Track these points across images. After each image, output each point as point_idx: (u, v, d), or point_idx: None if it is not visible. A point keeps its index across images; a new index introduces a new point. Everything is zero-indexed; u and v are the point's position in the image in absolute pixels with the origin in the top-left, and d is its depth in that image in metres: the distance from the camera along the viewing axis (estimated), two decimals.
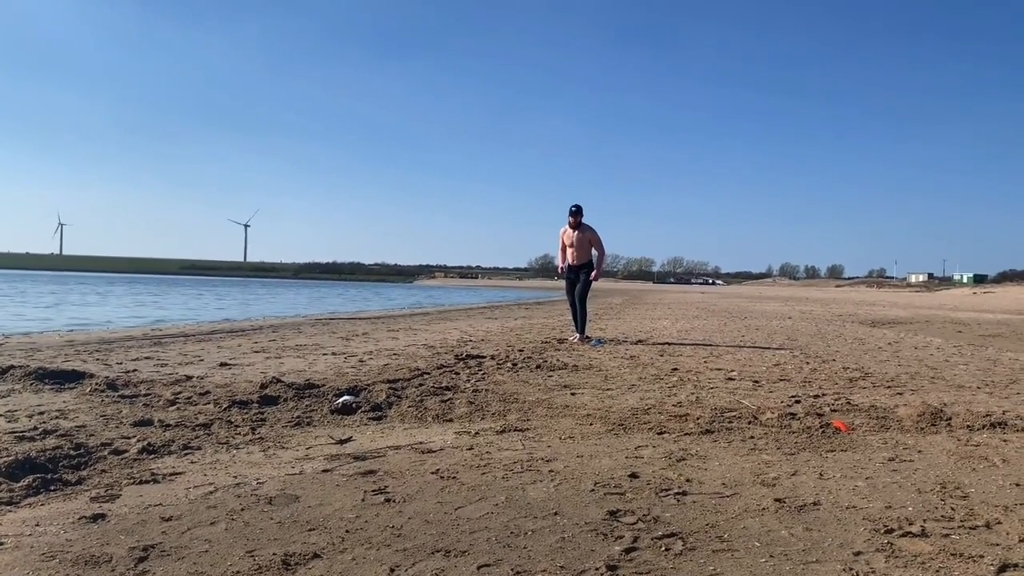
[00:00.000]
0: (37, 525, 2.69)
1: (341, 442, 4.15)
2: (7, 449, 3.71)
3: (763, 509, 2.96)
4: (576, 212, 10.86)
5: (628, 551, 2.47)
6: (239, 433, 4.35)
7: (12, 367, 6.51)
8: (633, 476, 3.40)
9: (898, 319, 19.45)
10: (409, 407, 5.22)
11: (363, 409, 5.11)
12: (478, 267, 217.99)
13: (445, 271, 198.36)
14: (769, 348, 10.44)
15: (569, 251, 11.04)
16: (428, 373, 7.05)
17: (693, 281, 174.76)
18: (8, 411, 4.90)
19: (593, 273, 11.05)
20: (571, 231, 10.95)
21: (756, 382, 6.73)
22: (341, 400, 5.29)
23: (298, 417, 4.83)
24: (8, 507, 2.92)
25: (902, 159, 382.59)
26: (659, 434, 4.36)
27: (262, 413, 4.94)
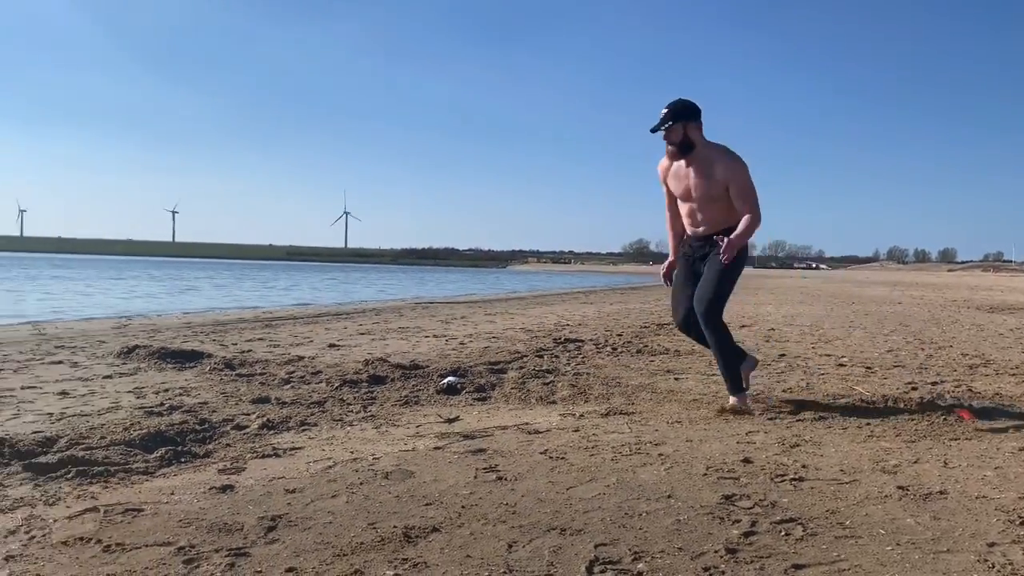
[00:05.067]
0: (172, 494, 2.84)
1: (449, 421, 4.23)
2: (139, 423, 3.93)
3: (885, 496, 2.86)
4: (672, 118, 4.49)
5: (747, 535, 2.43)
6: (352, 411, 4.48)
7: (137, 347, 6.89)
8: (746, 461, 3.34)
9: (1019, 305, 18.40)
10: (512, 389, 5.27)
11: (467, 390, 5.18)
12: (571, 252, 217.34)
13: (538, 256, 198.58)
14: (880, 334, 10.05)
15: (683, 208, 4.78)
16: (527, 356, 7.09)
17: (795, 265, 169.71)
18: (136, 388, 5.19)
19: (724, 249, 4.40)
20: (673, 164, 4.71)
21: (869, 368, 6.49)
22: (446, 381, 5.39)
23: (406, 396, 4.94)
24: (145, 476, 3.10)
25: (1021, 134, 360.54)
26: (770, 420, 4.26)
27: (371, 392, 5.08)
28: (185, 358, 6.47)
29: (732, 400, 4.60)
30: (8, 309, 14.87)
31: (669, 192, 4.82)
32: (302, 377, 5.64)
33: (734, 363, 4.58)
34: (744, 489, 2.94)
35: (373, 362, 6.24)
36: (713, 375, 6.02)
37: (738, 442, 3.72)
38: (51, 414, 4.26)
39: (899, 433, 3.93)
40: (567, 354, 7.24)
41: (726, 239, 4.39)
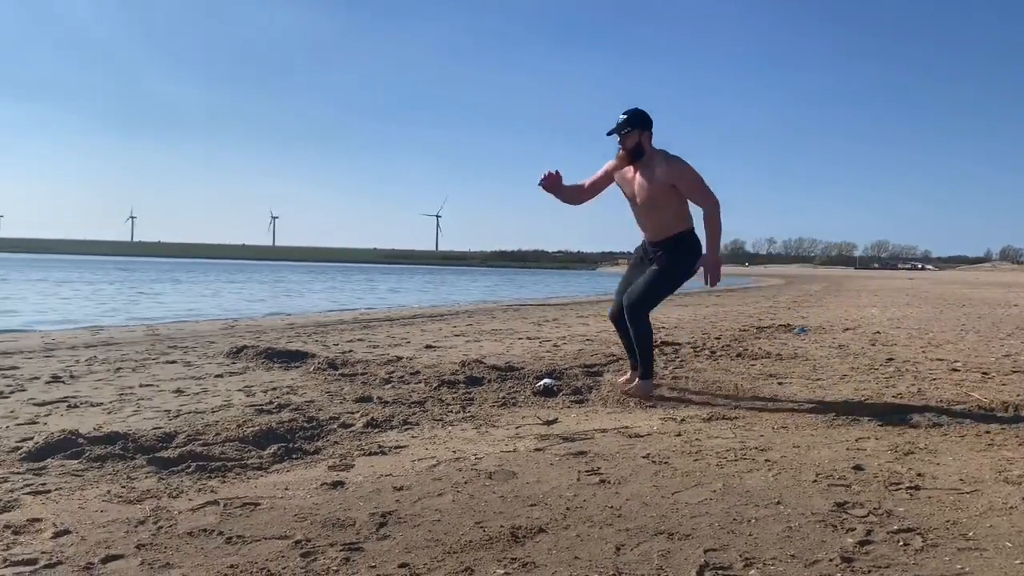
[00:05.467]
0: (286, 489, 2.94)
1: (548, 423, 4.24)
2: (251, 420, 4.09)
3: (1011, 508, 2.72)
4: (629, 124, 4.85)
5: (862, 544, 2.35)
6: (451, 411, 4.55)
7: (245, 347, 7.16)
8: (857, 468, 3.23)
9: None
10: (609, 392, 5.24)
11: (564, 392, 5.19)
12: None
13: (628, 258, 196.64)
14: (996, 337, 9.55)
15: (633, 213, 5.15)
16: (623, 359, 7.03)
17: (900, 266, 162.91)
18: (246, 386, 5.39)
19: (710, 279, 4.88)
20: (623, 167, 5.04)
21: (985, 374, 6.18)
22: (542, 383, 5.40)
23: (503, 398, 4.98)
24: (259, 472, 3.22)
25: None
26: (880, 426, 4.11)
27: (469, 392, 5.14)
28: (290, 358, 6.69)
29: (637, 382, 5.06)
30: (125, 311, 15.71)
31: (600, 179, 5.25)
32: (401, 377, 5.75)
33: (650, 353, 5.09)
34: (857, 497, 2.84)
35: (469, 363, 6.32)
36: (818, 379, 5.85)
37: (848, 448, 3.60)
38: (168, 411, 4.48)
39: (1022, 442, 3.74)
40: (664, 357, 7.15)
41: (702, 265, 4.90)
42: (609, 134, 4.96)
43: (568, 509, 2.69)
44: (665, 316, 13.74)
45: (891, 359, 7.13)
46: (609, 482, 3.04)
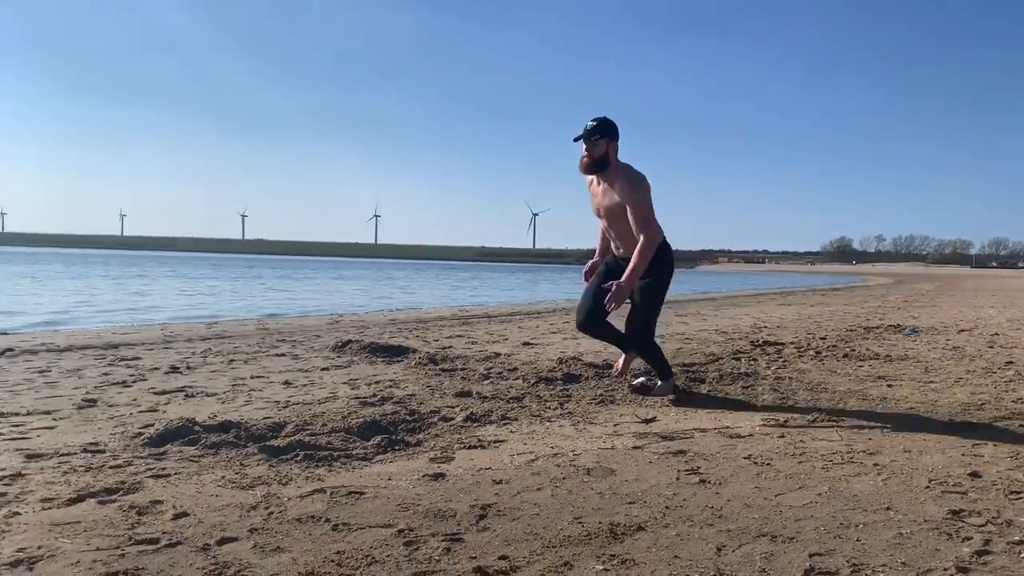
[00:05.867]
0: (390, 479, 3.03)
1: (646, 421, 4.21)
2: (355, 412, 4.21)
3: None
4: (599, 132, 4.67)
5: (979, 554, 2.25)
6: (549, 407, 4.57)
7: (350, 341, 7.37)
8: (974, 475, 3.08)
9: None
10: (709, 391, 5.16)
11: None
12: (764, 251, 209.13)
13: (729, 255, 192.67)
14: None
15: (602, 225, 5.04)
16: (723, 358, 6.91)
17: (1020, 265, 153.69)
18: (350, 379, 5.56)
19: (613, 295, 4.54)
20: (591, 180, 4.90)
21: None
22: (639, 380, 5.35)
23: (601, 395, 4.97)
24: (364, 462, 3.32)
25: None
26: (1000, 432, 3.91)
27: (567, 389, 5.16)
28: (392, 353, 6.85)
29: (659, 383, 5.01)
30: (239, 306, 16.45)
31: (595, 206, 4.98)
32: (500, 373, 5.81)
33: (662, 364, 5.01)
34: (974, 505, 2.71)
35: (567, 360, 6.33)
36: (931, 382, 5.61)
37: (963, 454, 3.44)
38: (278, 402, 4.66)
39: None
40: (766, 357, 6.98)
41: (614, 284, 4.54)
42: (576, 140, 4.71)
43: (667, 508, 2.67)
44: (767, 315, 13.41)
45: (1011, 362, 6.75)
46: (709, 482, 3.00)
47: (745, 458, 3.37)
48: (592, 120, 4.71)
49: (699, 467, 3.21)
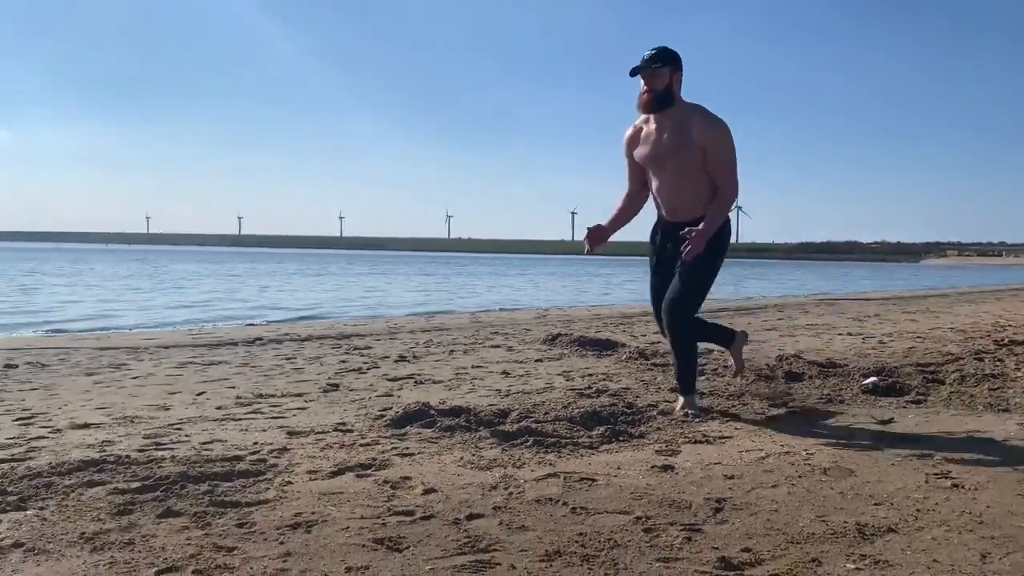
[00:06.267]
0: (619, 468, 3.07)
1: (883, 422, 3.98)
2: (575, 403, 4.29)
3: None
4: (659, 60, 3.88)
5: None
6: (772, 405, 4.41)
7: (559, 335, 7.53)
8: None
9: None
10: (951, 393, 4.78)
11: (897, 391, 4.82)
12: (1001, 243, 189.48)
13: (959, 248, 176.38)
14: None
15: (653, 185, 4.13)
16: (964, 359, 6.36)
17: None
18: (564, 371, 5.68)
19: (692, 242, 3.78)
20: (643, 129, 4.09)
21: None
22: (870, 380, 5.06)
23: (827, 394, 4.75)
24: (590, 450, 3.39)
25: None
26: None
27: (789, 387, 4.97)
28: (601, 346, 6.91)
29: (680, 400, 4.17)
30: (448, 301, 17.35)
31: (632, 169, 4.21)
32: (715, 370, 5.70)
33: (691, 366, 4.14)
34: None
35: (787, 358, 6.09)
36: None
37: None
38: (499, 390, 4.85)
39: None
40: (1015, 358, 6.35)
41: (693, 230, 3.77)
42: (633, 73, 3.90)
43: (919, 511, 2.52)
44: (1011, 313, 12.22)
45: None
46: (964, 487, 2.79)
47: (1002, 464, 3.10)
48: (650, 49, 3.93)
49: (949, 471, 3.00)
